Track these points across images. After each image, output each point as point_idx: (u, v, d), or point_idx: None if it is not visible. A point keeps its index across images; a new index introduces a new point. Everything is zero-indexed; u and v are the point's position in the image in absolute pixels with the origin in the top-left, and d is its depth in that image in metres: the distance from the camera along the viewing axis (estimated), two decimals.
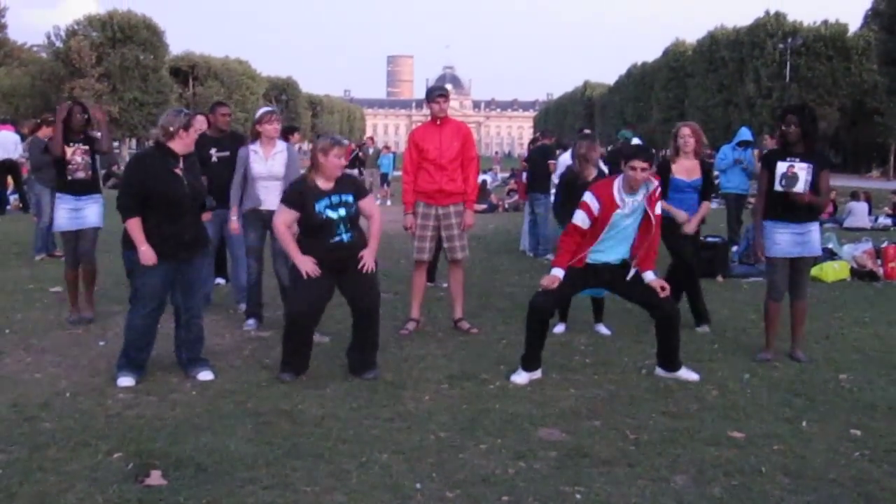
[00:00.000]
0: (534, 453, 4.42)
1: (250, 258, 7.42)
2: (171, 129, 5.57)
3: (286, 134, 12.10)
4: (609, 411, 5.15)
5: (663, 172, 7.45)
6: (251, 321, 7.34)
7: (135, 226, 5.49)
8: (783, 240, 6.37)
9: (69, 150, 7.38)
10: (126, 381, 5.52)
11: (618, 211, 5.69)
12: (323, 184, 5.72)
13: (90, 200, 7.50)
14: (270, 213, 7.01)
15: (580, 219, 5.74)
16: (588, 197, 5.76)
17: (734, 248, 11.72)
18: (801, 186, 6.27)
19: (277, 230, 5.79)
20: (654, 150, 7.21)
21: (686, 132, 7.58)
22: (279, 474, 4.08)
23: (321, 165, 5.70)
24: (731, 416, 5.10)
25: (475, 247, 13.17)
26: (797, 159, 6.30)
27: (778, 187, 6.31)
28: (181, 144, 5.61)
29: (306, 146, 42.99)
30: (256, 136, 7.37)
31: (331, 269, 5.71)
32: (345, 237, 5.71)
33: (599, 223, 5.71)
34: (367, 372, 5.81)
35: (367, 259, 5.79)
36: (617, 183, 5.74)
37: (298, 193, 5.74)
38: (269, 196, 7.14)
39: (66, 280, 7.58)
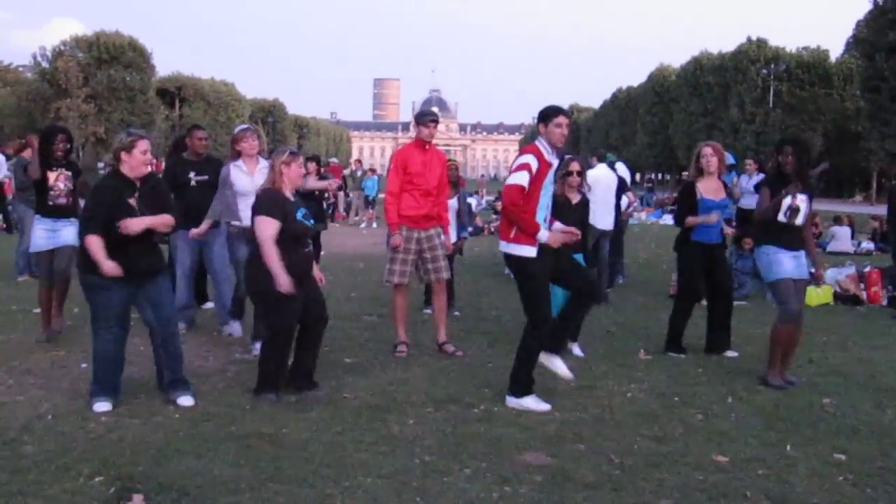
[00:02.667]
0: (518, 477, 4.41)
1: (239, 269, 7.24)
2: (113, 150, 5.51)
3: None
4: (594, 435, 5.15)
5: (688, 196, 7.45)
6: (258, 344, 6.97)
7: (96, 243, 5.28)
8: (790, 263, 6.43)
9: (52, 176, 7.42)
10: (102, 405, 5.42)
11: (550, 170, 5.74)
12: (289, 195, 5.83)
13: (67, 223, 7.55)
14: (244, 230, 7.04)
15: (524, 179, 5.62)
16: (527, 157, 5.68)
17: None
18: (801, 219, 6.46)
19: (267, 244, 5.62)
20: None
21: (709, 152, 7.49)
22: (262, 499, 4.05)
23: (283, 175, 5.77)
24: (715, 440, 5.11)
25: (460, 270, 13.18)
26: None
27: (782, 218, 6.41)
28: (127, 167, 5.44)
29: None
30: (237, 154, 7.35)
31: (299, 280, 5.71)
32: (310, 247, 5.92)
33: (538, 182, 5.66)
34: (310, 391, 5.91)
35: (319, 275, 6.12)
36: (539, 143, 5.75)
37: (280, 203, 5.73)
38: (246, 212, 7.05)
39: (41, 298, 7.67)
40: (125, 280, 5.40)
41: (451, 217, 9.16)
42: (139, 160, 5.44)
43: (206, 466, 4.43)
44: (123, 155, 5.42)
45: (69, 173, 7.53)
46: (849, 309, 10.35)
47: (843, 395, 6.18)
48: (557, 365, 5.92)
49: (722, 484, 4.38)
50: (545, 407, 5.67)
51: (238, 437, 4.92)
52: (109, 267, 5.27)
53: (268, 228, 5.65)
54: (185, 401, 5.58)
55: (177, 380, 5.70)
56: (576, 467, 4.57)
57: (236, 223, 7.30)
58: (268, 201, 5.76)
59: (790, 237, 6.45)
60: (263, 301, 5.84)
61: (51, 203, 7.45)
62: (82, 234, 5.46)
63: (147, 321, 5.68)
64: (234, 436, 4.96)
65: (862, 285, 10.97)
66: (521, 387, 5.75)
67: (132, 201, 5.43)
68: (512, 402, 5.74)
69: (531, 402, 5.69)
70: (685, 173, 7.90)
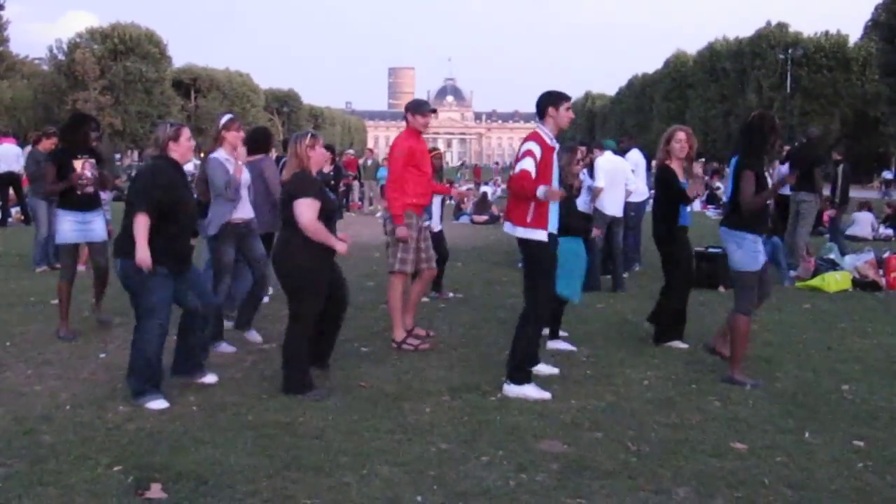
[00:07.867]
0: (535, 465, 4.41)
1: (227, 276, 7.02)
2: (160, 141, 5.63)
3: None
4: (611, 423, 5.14)
5: (675, 180, 7.23)
6: (222, 344, 6.87)
7: (143, 223, 5.32)
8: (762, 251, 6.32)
9: (78, 164, 7.24)
10: (160, 403, 5.32)
11: (554, 153, 5.84)
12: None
13: (95, 214, 7.42)
14: (245, 224, 6.95)
15: (530, 164, 5.68)
16: (529, 144, 5.76)
17: None
18: None
19: (313, 225, 5.55)
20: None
21: (684, 136, 7.33)
22: (279, 487, 4.06)
23: (311, 159, 5.73)
24: (733, 427, 5.09)
25: (476, 258, 13.17)
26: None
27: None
28: (177, 155, 5.64)
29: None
30: (220, 143, 6.92)
31: (329, 259, 5.84)
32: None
33: (545, 167, 5.73)
34: (325, 365, 6.12)
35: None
36: (540, 129, 5.85)
37: (315, 182, 5.74)
38: (244, 205, 6.97)
39: (59, 292, 7.36)
40: (175, 270, 5.53)
41: (437, 203, 9.20)
42: (186, 147, 5.68)
43: (223, 455, 4.45)
44: (172, 144, 5.63)
45: (93, 161, 7.35)
46: (868, 295, 10.27)
47: (862, 382, 6.13)
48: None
49: (740, 471, 4.36)
50: (546, 395, 5.65)
51: (255, 427, 4.94)
52: (143, 259, 5.28)
53: (312, 211, 5.60)
54: (211, 378, 5.81)
55: (202, 362, 5.88)
56: (592, 455, 4.56)
57: (226, 219, 6.90)
58: (310, 184, 5.70)
59: (762, 223, 6.30)
60: (298, 284, 5.70)
61: (79, 192, 7.24)
62: (135, 211, 5.36)
63: (191, 306, 5.69)
64: (251, 425, 4.98)
65: (881, 271, 10.87)
66: (524, 374, 5.74)
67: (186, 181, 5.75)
68: (512, 390, 5.69)
69: (531, 391, 5.67)
70: (702, 159, 7.76)
